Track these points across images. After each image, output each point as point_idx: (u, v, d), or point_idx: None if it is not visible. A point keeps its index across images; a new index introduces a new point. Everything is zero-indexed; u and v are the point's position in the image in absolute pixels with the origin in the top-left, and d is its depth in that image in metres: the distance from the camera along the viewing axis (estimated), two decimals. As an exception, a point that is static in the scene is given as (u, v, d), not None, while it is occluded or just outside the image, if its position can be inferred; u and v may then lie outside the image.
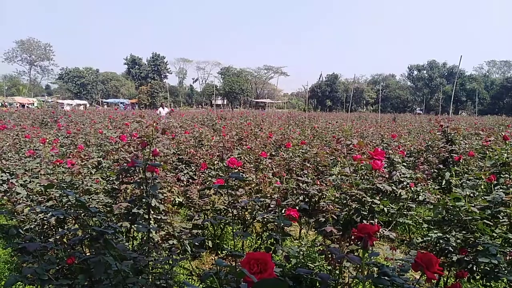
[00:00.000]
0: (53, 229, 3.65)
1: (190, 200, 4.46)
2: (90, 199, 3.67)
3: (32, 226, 3.40)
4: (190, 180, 5.35)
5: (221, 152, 6.34)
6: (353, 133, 11.92)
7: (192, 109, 61.13)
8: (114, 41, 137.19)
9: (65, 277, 2.54)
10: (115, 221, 3.39)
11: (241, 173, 2.90)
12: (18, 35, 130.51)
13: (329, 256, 2.50)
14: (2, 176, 4.86)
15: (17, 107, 43.36)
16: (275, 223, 2.89)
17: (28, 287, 2.94)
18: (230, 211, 4.07)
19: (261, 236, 3.88)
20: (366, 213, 3.09)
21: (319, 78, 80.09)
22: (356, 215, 3.03)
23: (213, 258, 4.44)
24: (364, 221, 3.09)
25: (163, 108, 18.83)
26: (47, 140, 7.57)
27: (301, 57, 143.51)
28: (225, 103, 73.93)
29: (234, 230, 2.38)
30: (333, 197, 4.03)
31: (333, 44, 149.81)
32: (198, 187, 4.60)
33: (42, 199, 3.83)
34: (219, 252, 4.57)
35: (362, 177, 3.33)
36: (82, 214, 2.44)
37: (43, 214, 3.48)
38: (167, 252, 3.12)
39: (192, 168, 6.06)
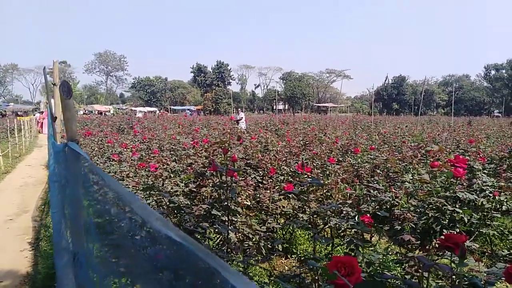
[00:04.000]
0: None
1: (260, 204, 4.59)
2: (172, 201, 3.94)
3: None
4: (260, 185, 5.49)
5: (295, 158, 6.43)
6: (425, 138, 11.35)
7: (254, 114, 62.21)
8: (182, 50, 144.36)
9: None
10: (194, 221, 3.61)
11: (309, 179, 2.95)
12: (96, 48, 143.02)
13: (408, 264, 2.46)
14: (92, 178, 5.40)
15: (96, 114, 47.58)
16: (351, 229, 2.89)
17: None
18: (300, 216, 4.13)
19: (333, 242, 3.89)
20: (446, 222, 2.98)
21: (385, 81, 77.18)
22: (436, 224, 2.93)
23: (283, 262, 4.52)
24: (444, 231, 2.98)
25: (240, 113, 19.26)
26: (128, 146, 8.24)
27: (365, 59, 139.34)
28: (286, 108, 74.05)
29: (310, 235, 2.44)
30: (407, 205, 3.92)
31: (399, 45, 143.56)
32: (268, 191, 4.72)
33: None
34: (289, 256, 4.63)
35: (441, 185, 3.21)
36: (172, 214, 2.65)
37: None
38: (242, 253, 3.27)
39: (260, 172, 6.20)
